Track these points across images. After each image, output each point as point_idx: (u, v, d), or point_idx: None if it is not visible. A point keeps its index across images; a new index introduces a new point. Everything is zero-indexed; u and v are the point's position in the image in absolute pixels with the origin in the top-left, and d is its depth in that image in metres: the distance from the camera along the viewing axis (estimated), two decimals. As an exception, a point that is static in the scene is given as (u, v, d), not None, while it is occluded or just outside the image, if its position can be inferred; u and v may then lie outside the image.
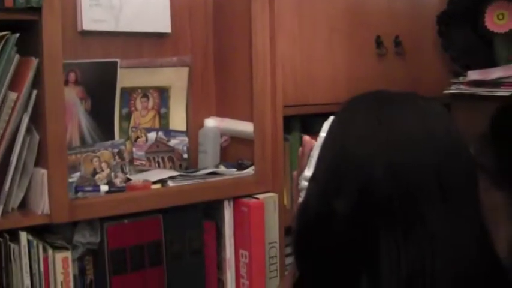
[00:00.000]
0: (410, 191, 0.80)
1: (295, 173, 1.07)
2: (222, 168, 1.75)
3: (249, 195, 1.68)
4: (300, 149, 1.04)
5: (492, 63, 1.86)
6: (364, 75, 1.88)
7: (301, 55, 1.77)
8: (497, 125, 1.18)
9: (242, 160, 1.79)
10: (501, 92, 1.73)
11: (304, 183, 0.89)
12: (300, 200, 0.89)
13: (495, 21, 1.89)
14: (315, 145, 0.90)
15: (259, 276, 1.68)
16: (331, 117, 0.91)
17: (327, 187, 0.84)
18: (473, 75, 1.80)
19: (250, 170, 1.71)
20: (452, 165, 0.83)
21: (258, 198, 1.67)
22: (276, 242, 1.72)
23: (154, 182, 1.57)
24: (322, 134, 0.90)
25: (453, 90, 1.85)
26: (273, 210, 1.70)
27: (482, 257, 0.83)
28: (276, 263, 1.73)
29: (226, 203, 1.65)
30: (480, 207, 0.84)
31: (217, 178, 1.66)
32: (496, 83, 1.74)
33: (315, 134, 1.42)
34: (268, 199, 1.69)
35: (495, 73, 1.75)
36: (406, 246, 0.78)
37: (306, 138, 1.03)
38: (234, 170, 1.73)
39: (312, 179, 0.87)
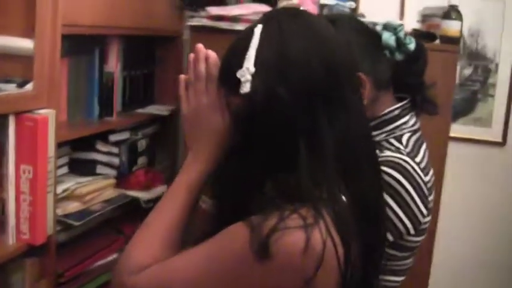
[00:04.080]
0: (338, 81, 1.09)
1: (182, 76, 1.22)
2: (-10, 85, 1.72)
3: (29, 111, 1.69)
4: (192, 54, 1.20)
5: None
6: (116, 5, 2.05)
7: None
8: None
9: (11, 77, 1.77)
10: (239, 27, 2.06)
11: (248, 77, 1.07)
12: (244, 89, 1.08)
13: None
14: (251, 45, 1.08)
15: (42, 190, 1.73)
16: (260, 25, 1.10)
17: (272, 78, 1.05)
18: (213, 10, 2.10)
19: (29, 87, 1.73)
20: (352, 63, 1.16)
21: (40, 114, 1.71)
22: (53, 156, 1.77)
23: None
24: (255, 40, 1.08)
25: (195, 22, 2.13)
26: (51, 125, 1.75)
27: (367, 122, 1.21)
28: (52, 177, 1.78)
29: (10, 118, 1.64)
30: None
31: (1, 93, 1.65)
32: (236, 19, 2.07)
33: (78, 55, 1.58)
34: (48, 115, 1.73)
35: (235, 10, 2.08)
36: (336, 117, 1.07)
37: (199, 45, 1.20)
38: (13, 85, 1.72)
39: (256, 73, 1.06)
